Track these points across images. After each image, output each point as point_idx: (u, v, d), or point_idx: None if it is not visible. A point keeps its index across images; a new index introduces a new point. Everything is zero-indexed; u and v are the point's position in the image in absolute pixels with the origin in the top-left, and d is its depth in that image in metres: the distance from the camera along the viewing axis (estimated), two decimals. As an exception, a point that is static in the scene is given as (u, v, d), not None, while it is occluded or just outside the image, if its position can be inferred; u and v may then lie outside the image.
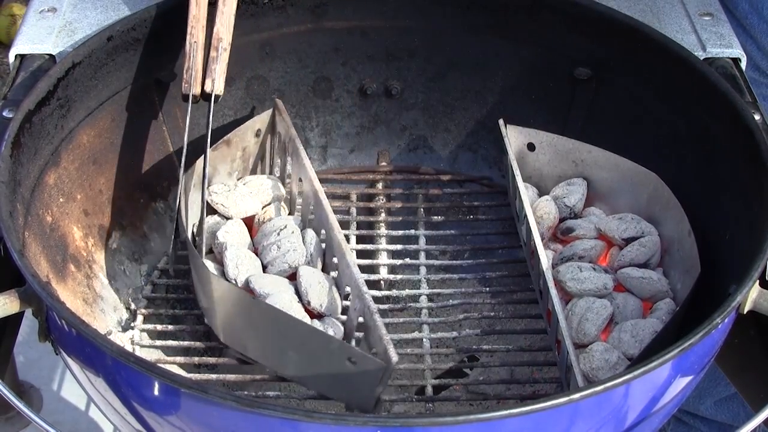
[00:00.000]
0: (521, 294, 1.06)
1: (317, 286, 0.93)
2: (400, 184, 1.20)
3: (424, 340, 1.01)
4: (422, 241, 1.12)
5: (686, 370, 0.82)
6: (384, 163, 1.21)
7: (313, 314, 0.94)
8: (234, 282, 0.95)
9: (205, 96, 1.01)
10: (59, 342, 0.85)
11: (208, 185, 1.03)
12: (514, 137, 1.10)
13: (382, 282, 1.08)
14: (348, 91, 1.20)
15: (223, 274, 0.96)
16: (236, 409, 0.70)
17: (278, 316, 0.87)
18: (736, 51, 1.09)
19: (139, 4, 1.10)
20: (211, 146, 0.99)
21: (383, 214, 1.15)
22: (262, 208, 1.05)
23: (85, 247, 1.01)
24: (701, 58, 1.06)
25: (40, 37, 1.08)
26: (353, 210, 1.15)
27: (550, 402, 0.70)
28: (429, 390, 0.96)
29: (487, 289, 1.06)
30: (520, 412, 0.69)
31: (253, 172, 1.11)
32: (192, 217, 1.01)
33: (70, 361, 0.84)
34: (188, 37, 1.01)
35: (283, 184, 1.08)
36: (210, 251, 1.01)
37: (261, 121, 1.09)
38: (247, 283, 0.95)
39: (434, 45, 1.17)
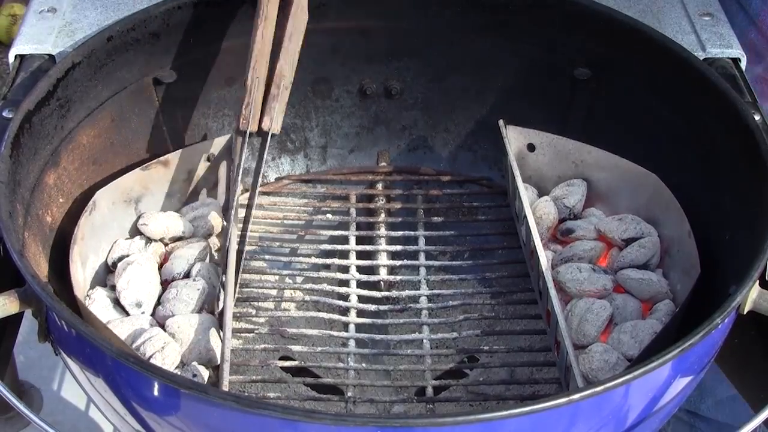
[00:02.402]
0: (521, 295, 1.06)
1: (184, 337, 0.93)
2: (399, 185, 1.19)
3: (424, 340, 1.00)
4: (422, 241, 1.12)
5: (686, 371, 0.82)
6: (384, 164, 1.21)
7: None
8: (118, 295, 0.94)
9: (260, 132, 1.00)
10: (59, 342, 0.85)
11: (137, 206, 1.03)
12: (514, 138, 1.10)
13: (381, 283, 1.08)
14: (348, 92, 1.20)
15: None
16: (236, 410, 0.70)
17: None
18: (736, 51, 1.09)
19: (139, 4, 1.10)
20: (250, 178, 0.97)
21: (383, 215, 1.15)
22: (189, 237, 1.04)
23: (84, 248, 1.01)
24: (701, 58, 1.06)
25: (40, 37, 1.08)
26: (353, 211, 1.15)
27: (550, 402, 0.70)
28: (429, 391, 0.96)
29: (487, 289, 1.06)
30: (520, 413, 0.69)
31: (201, 196, 1.09)
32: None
33: (69, 361, 0.84)
34: (251, 71, 0.99)
35: (225, 214, 1.05)
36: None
37: (215, 145, 1.07)
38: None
39: (434, 45, 1.17)
